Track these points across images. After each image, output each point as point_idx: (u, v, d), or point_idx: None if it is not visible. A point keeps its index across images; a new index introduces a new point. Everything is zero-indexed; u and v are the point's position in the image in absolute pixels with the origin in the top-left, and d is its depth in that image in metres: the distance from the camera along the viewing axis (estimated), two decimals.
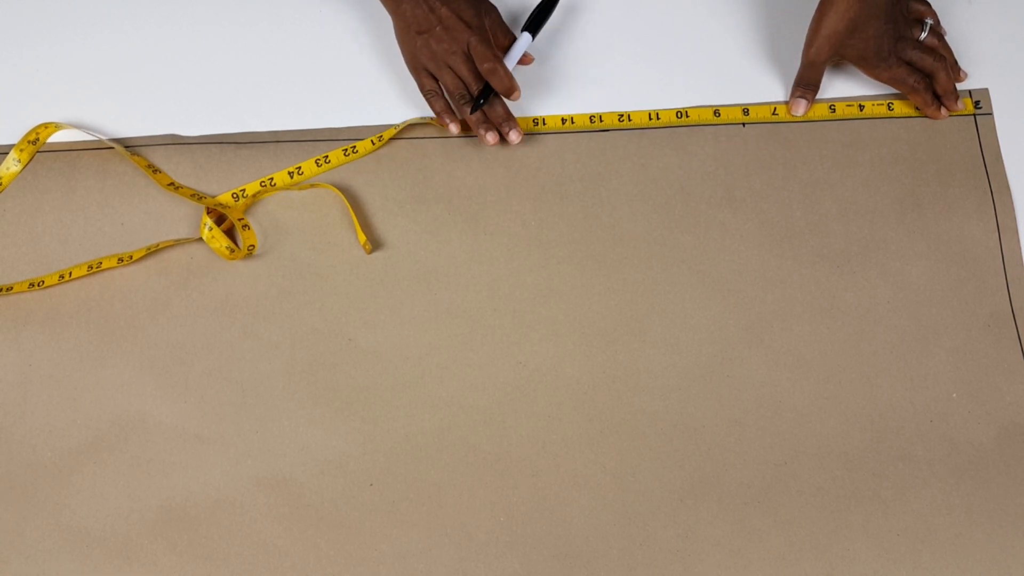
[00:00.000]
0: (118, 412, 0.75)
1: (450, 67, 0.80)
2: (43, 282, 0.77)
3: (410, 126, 0.83)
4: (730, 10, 0.87)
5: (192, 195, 0.79)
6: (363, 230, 0.79)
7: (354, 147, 0.81)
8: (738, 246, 0.79)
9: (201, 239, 0.79)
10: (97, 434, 0.74)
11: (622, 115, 0.83)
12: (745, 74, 0.85)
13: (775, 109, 0.83)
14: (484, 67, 0.78)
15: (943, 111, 0.82)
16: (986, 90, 0.84)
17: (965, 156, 0.81)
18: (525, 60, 0.82)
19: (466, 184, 0.81)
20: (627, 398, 0.75)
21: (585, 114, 0.83)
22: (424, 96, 0.81)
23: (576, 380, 0.75)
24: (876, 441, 0.74)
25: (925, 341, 0.76)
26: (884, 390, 0.75)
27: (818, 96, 0.83)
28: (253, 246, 0.79)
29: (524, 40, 0.82)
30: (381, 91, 0.84)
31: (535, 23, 0.82)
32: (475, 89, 0.79)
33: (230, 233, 0.80)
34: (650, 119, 0.83)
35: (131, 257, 0.78)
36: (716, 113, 0.83)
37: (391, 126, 0.82)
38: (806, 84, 0.82)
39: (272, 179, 0.80)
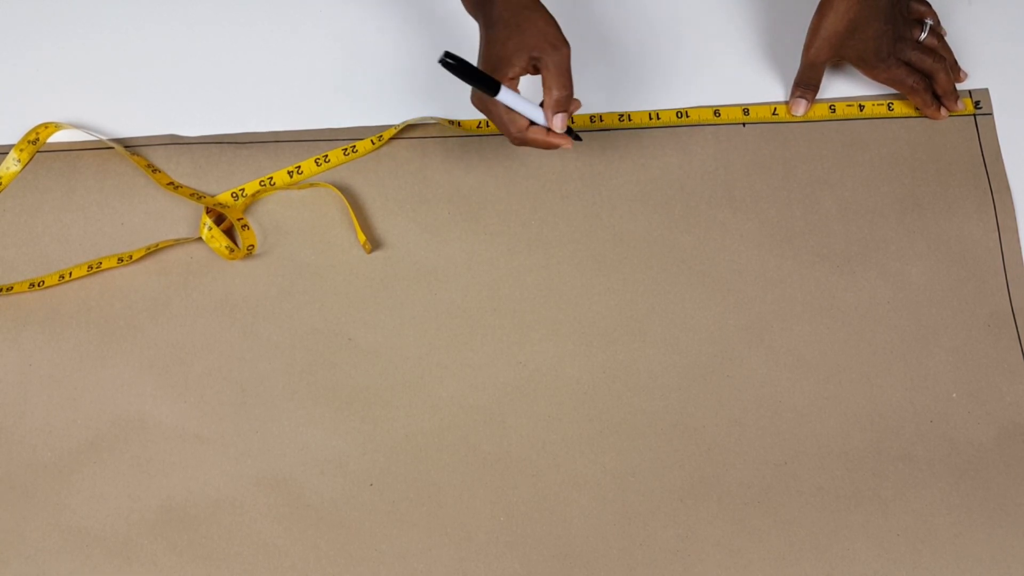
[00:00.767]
0: (118, 412, 0.75)
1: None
2: (43, 282, 0.77)
3: (410, 126, 0.83)
4: (730, 10, 0.87)
5: (192, 195, 0.79)
6: (363, 230, 0.79)
7: (354, 147, 0.81)
8: (738, 246, 0.79)
9: (201, 239, 0.79)
10: (97, 434, 0.74)
11: (622, 115, 0.83)
12: (745, 74, 0.85)
13: (775, 109, 0.83)
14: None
15: (943, 111, 0.82)
16: (986, 90, 0.84)
17: (965, 156, 0.81)
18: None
19: (466, 184, 0.81)
20: (627, 398, 0.75)
21: (585, 114, 0.83)
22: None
23: (576, 380, 0.75)
24: (876, 441, 0.74)
25: (925, 341, 0.76)
26: (884, 390, 0.75)
27: (818, 96, 0.83)
28: (253, 246, 0.79)
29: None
30: (381, 91, 0.84)
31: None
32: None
33: (229, 233, 0.80)
34: (650, 119, 0.83)
35: (131, 257, 0.78)
36: (716, 113, 0.83)
37: (391, 126, 0.82)
38: (806, 84, 0.82)
39: (272, 179, 0.80)
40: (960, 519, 0.72)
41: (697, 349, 0.76)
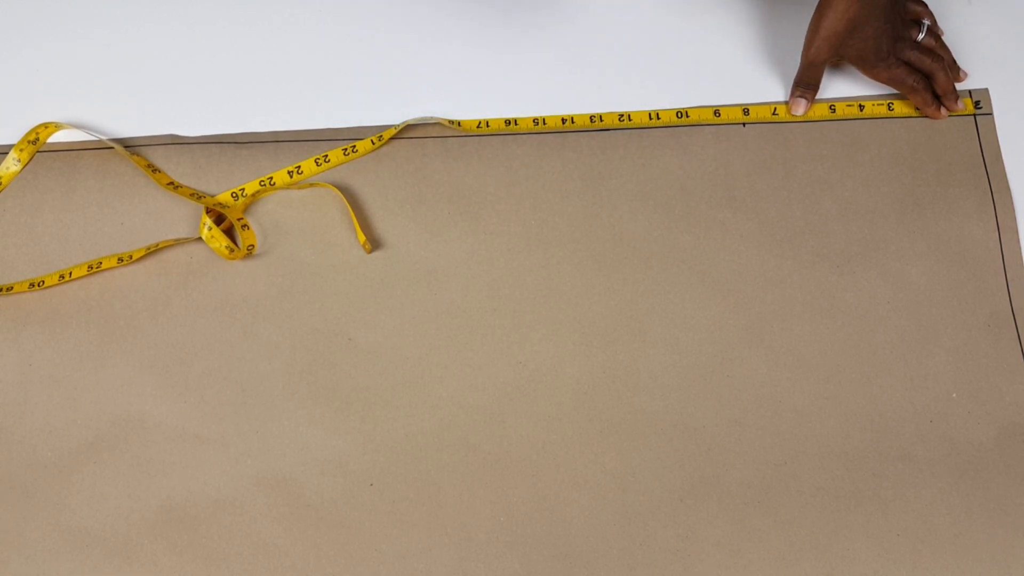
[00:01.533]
0: (118, 412, 0.75)
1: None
2: (43, 282, 0.77)
3: (410, 126, 0.83)
4: (730, 10, 0.87)
5: (192, 195, 0.79)
6: (363, 230, 0.79)
7: (354, 147, 0.81)
8: (738, 246, 0.79)
9: (201, 239, 0.79)
10: (97, 434, 0.74)
11: (622, 115, 0.83)
12: (745, 74, 0.85)
13: (775, 109, 0.83)
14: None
15: (943, 111, 0.82)
16: (986, 90, 0.84)
17: (965, 156, 0.81)
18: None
19: (466, 184, 0.81)
20: (627, 398, 0.75)
21: (585, 114, 0.83)
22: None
23: (576, 380, 0.75)
24: (876, 441, 0.74)
25: (925, 341, 0.76)
26: (884, 390, 0.75)
27: (818, 96, 0.83)
28: (253, 246, 0.79)
29: None
30: (381, 91, 0.84)
31: None
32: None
33: (229, 233, 0.80)
34: (650, 119, 0.83)
35: (131, 257, 0.78)
36: (716, 113, 0.83)
37: (391, 126, 0.82)
38: (806, 84, 0.82)
39: (272, 178, 0.80)
40: (960, 519, 0.72)
41: (697, 349, 0.76)
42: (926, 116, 0.82)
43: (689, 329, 0.77)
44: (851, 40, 0.78)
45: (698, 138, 0.82)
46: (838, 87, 0.84)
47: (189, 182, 0.81)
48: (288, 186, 0.81)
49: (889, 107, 0.83)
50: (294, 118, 0.83)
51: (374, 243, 0.79)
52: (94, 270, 0.78)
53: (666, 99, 0.84)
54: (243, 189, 0.80)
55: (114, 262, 0.78)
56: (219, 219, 0.79)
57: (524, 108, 0.83)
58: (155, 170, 0.81)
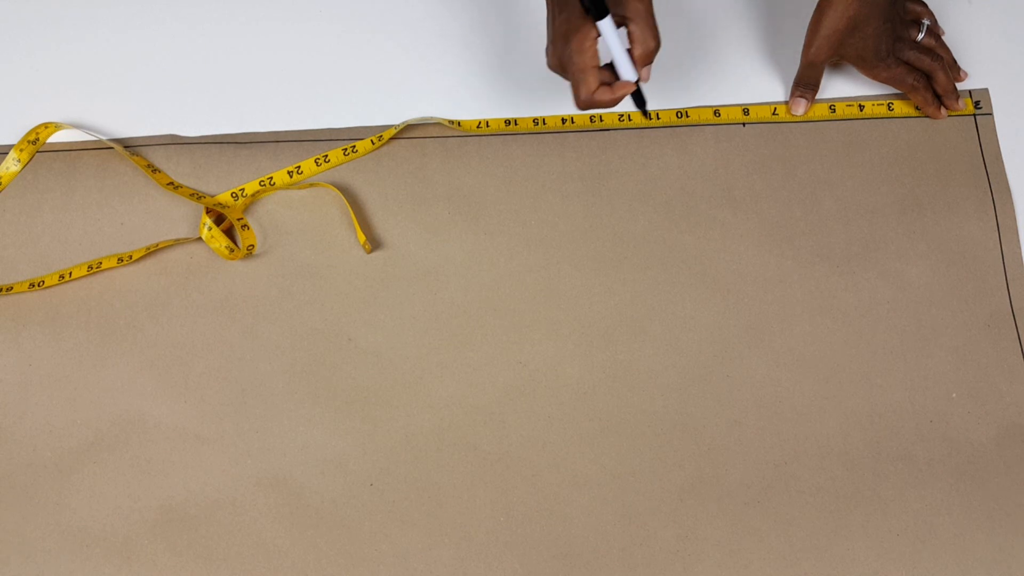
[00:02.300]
0: (118, 412, 0.75)
1: None
2: (43, 282, 0.77)
3: (410, 126, 0.83)
4: (730, 10, 0.87)
5: (191, 195, 0.79)
6: (363, 230, 0.79)
7: (354, 147, 0.81)
8: (738, 246, 0.79)
9: (201, 239, 0.79)
10: (97, 434, 0.74)
11: (622, 115, 0.83)
12: (745, 74, 0.85)
13: (775, 109, 0.83)
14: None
15: (943, 111, 0.82)
16: (986, 90, 0.84)
17: (965, 156, 0.81)
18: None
19: (466, 184, 0.81)
20: (627, 398, 0.75)
21: (585, 114, 0.83)
22: None
23: (576, 380, 0.75)
24: (876, 441, 0.74)
25: (925, 341, 0.76)
26: (884, 390, 0.75)
27: (818, 96, 0.83)
28: (252, 246, 0.79)
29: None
30: (381, 91, 0.84)
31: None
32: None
33: (229, 233, 0.80)
34: (650, 119, 0.83)
35: (131, 257, 0.78)
36: (716, 113, 0.83)
37: (391, 126, 0.82)
38: (806, 84, 0.82)
39: (271, 178, 0.80)
40: (960, 519, 0.72)
41: (697, 349, 0.76)
42: (926, 115, 0.82)
43: (689, 329, 0.77)
44: (851, 40, 0.78)
45: (698, 138, 0.82)
46: (838, 87, 0.84)
47: (189, 182, 0.81)
48: (288, 186, 0.81)
49: (889, 107, 0.83)
50: (294, 118, 0.83)
51: (374, 243, 0.79)
52: (94, 270, 0.78)
53: (666, 99, 0.84)
54: (243, 189, 0.80)
55: (114, 262, 0.78)
56: (219, 219, 0.79)
57: (524, 108, 0.83)
58: (155, 170, 0.81)
